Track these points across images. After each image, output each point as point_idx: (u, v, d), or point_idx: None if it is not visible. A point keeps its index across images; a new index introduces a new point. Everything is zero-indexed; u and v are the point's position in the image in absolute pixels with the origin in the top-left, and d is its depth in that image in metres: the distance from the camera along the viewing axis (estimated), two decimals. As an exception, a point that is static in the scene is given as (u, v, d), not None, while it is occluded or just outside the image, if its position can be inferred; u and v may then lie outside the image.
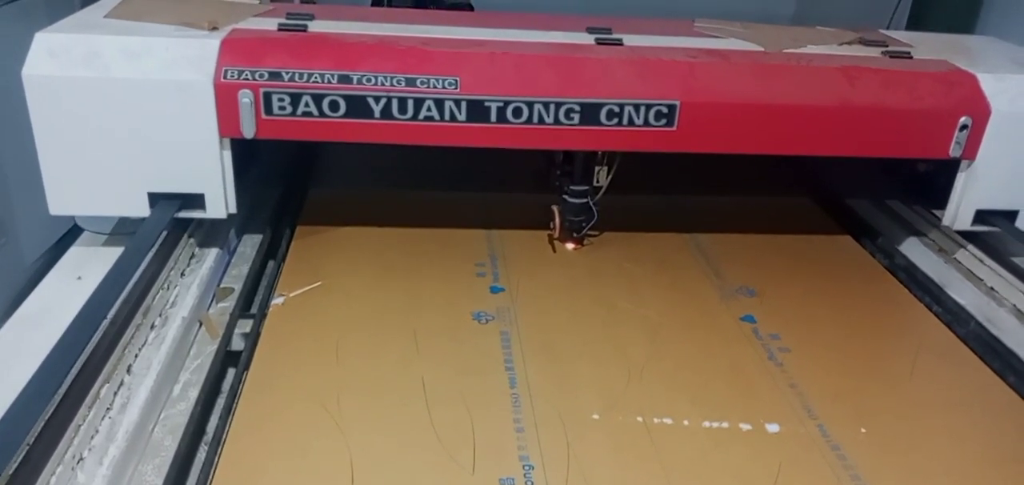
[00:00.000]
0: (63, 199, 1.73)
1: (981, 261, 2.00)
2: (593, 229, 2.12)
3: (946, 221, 2.02)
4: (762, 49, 1.99)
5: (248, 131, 1.71)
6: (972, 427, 1.53)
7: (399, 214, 2.19)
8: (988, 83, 1.90)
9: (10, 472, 1.09)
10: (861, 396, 1.60)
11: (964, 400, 1.62)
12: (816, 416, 1.52)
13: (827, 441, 1.46)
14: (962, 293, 1.93)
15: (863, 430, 1.50)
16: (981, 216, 1.99)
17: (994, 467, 1.43)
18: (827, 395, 1.58)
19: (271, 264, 2.01)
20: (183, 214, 1.76)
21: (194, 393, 1.50)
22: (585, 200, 2.05)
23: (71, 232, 1.93)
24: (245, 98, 1.68)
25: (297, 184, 2.39)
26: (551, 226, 2.09)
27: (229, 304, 1.77)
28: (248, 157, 1.91)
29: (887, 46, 2.10)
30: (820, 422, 1.51)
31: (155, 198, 1.73)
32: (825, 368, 1.67)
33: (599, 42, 1.94)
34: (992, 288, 1.91)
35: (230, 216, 1.81)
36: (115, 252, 1.58)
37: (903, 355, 1.76)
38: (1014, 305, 1.84)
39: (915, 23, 2.98)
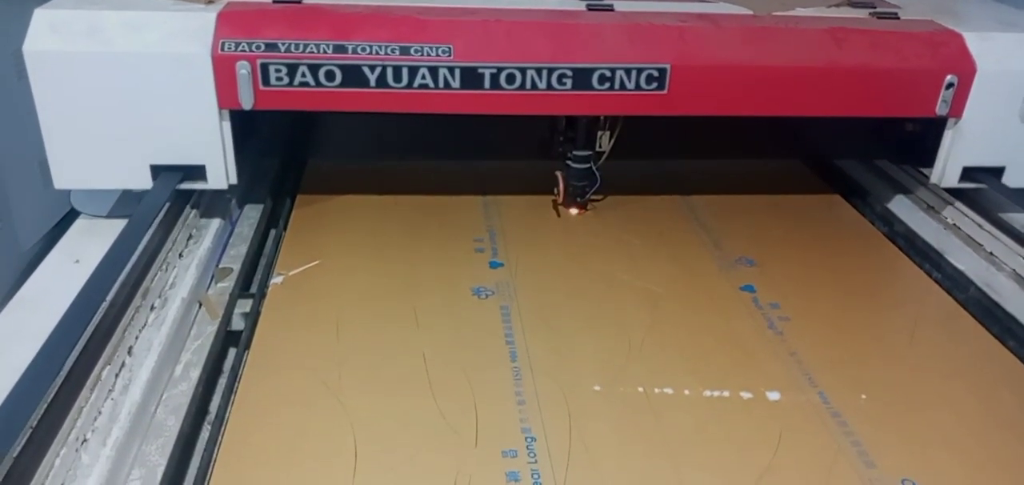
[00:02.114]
0: (67, 173, 1.75)
1: (980, 226, 2.00)
2: (596, 193, 2.14)
3: (934, 179, 2.05)
4: (751, 12, 2.00)
5: (246, 102, 1.72)
6: (972, 392, 1.54)
7: (396, 186, 2.21)
8: (974, 42, 1.93)
9: (15, 454, 1.10)
10: (861, 363, 1.60)
11: (964, 365, 1.63)
12: (816, 384, 1.53)
13: (828, 408, 1.47)
14: (961, 258, 1.93)
15: (863, 397, 1.50)
16: (968, 173, 2.01)
17: (994, 431, 1.44)
18: (827, 362, 1.59)
19: (271, 238, 2.01)
20: (185, 186, 1.78)
21: (196, 373, 1.50)
22: (588, 165, 2.08)
23: (68, 216, 1.93)
24: (243, 69, 1.69)
25: (296, 155, 2.41)
26: (555, 192, 2.11)
27: (228, 284, 1.77)
28: (248, 129, 1.92)
29: (874, 7, 2.12)
30: (820, 389, 1.51)
31: (157, 170, 1.76)
32: (825, 336, 1.68)
33: (590, 8, 1.96)
34: (992, 253, 1.91)
35: (231, 187, 1.83)
36: (112, 236, 1.58)
37: (903, 321, 1.77)
38: (1014, 270, 1.84)
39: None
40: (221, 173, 1.79)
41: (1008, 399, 1.53)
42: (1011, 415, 1.48)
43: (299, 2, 1.85)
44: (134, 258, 1.55)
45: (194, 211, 1.89)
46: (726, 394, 1.49)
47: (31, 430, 1.14)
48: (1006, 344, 1.68)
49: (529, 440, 1.36)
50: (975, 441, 1.41)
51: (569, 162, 2.09)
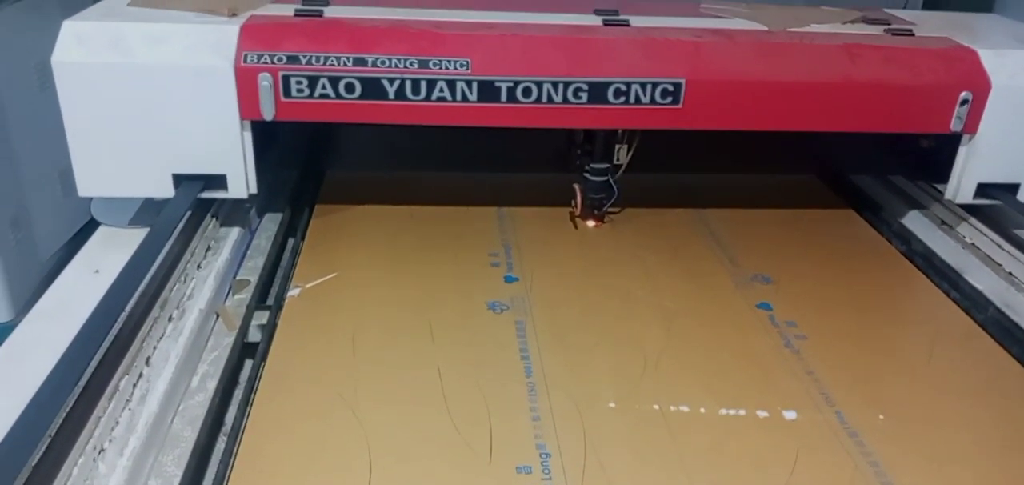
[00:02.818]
0: (91, 181, 1.79)
1: (999, 246, 1.98)
2: (613, 206, 2.15)
3: (948, 195, 2.05)
4: (766, 28, 2.01)
5: (268, 113, 1.75)
6: (991, 413, 1.52)
7: (413, 197, 2.22)
8: (988, 59, 1.93)
9: (33, 463, 1.10)
10: (879, 383, 1.59)
11: (983, 386, 1.61)
12: (834, 403, 1.52)
13: (845, 428, 1.45)
14: (980, 278, 1.92)
15: (881, 417, 1.49)
16: (983, 190, 2.01)
17: (1013, 452, 1.42)
18: (844, 382, 1.57)
19: (289, 249, 2.03)
20: (206, 195, 1.81)
21: (212, 385, 1.51)
22: (606, 178, 2.09)
23: (88, 226, 1.95)
24: (264, 81, 1.72)
25: (314, 166, 2.44)
26: (573, 204, 2.12)
27: (245, 296, 1.78)
28: (268, 140, 1.95)
29: (889, 24, 2.13)
30: (838, 409, 1.50)
31: (179, 179, 1.79)
32: (842, 355, 1.67)
33: (606, 23, 1.97)
34: (1011, 273, 1.89)
35: (251, 197, 1.86)
36: (132, 246, 1.59)
37: (920, 341, 1.75)
38: (1034, 290, 1.82)
39: (932, 5, 2.95)
40: (241, 183, 1.82)
41: (1028, 421, 1.51)
42: (1031, 437, 1.47)
43: (320, 15, 1.87)
44: (153, 269, 1.57)
45: (213, 222, 1.91)
46: (742, 412, 1.48)
47: (50, 439, 1.15)
48: (1025, 364, 1.66)
49: (544, 456, 1.35)
50: (994, 461, 1.40)
51: (587, 175, 2.10)
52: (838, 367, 1.62)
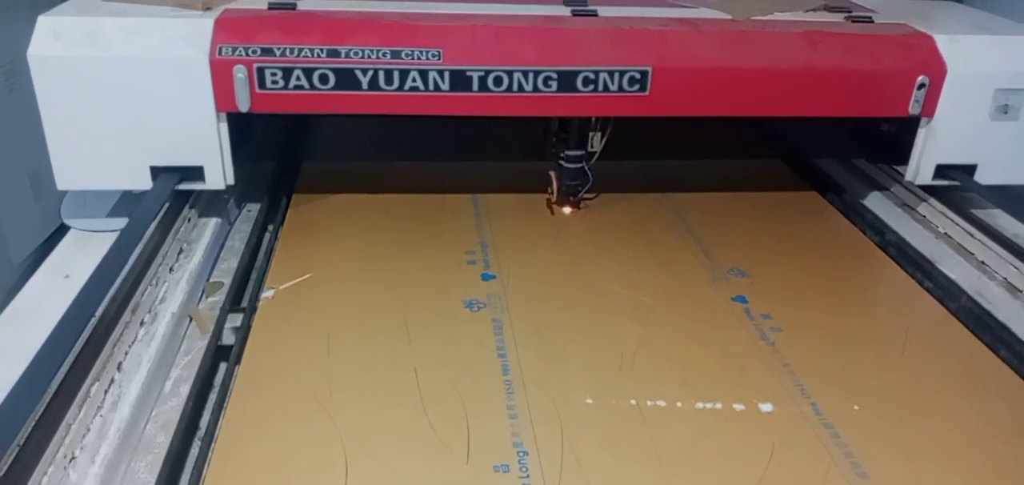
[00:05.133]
0: (69, 175, 1.79)
1: (971, 234, 2.01)
2: (587, 193, 2.18)
3: (908, 176, 2.11)
4: (730, 17, 2.05)
5: (243, 105, 1.76)
6: (965, 401, 1.54)
7: (389, 190, 2.23)
8: (944, 44, 1.99)
9: (1, 473, 1.09)
10: (854, 374, 1.60)
11: (956, 375, 1.63)
12: (809, 395, 1.53)
13: (820, 419, 1.46)
14: (953, 268, 1.94)
15: (856, 408, 1.50)
16: (941, 171, 2.07)
17: (988, 441, 1.44)
18: (820, 374, 1.58)
19: (263, 250, 2.02)
20: (184, 186, 1.82)
21: (185, 389, 1.49)
22: (580, 165, 2.12)
23: (59, 231, 1.92)
24: (239, 73, 1.74)
25: (291, 157, 2.45)
26: (549, 191, 2.15)
27: (219, 298, 1.77)
28: (244, 132, 1.96)
29: (850, 11, 2.17)
30: (813, 401, 1.51)
31: (157, 171, 1.80)
32: (817, 347, 1.68)
33: (575, 13, 2.00)
34: (983, 262, 1.92)
35: (228, 188, 1.87)
36: (102, 250, 1.57)
37: (895, 331, 1.77)
38: (1005, 279, 1.84)
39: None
40: (219, 174, 1.83)
41: (1002, 409, 1.52)
42: (1005, 424, 1.48)
43: (293, 8, 1.88)
44: (124, 272, 1.55)
45: (186, 222, 1.89)
46: (718, 406, 1.49)
47: (18, 448, 1.14)
48: (998, 353, 1.67)
49: (521, 454, 1.35)
50: (970, 451, 1.41)
51: (562, 162, 2.13)
52: (813, 359, 1.63)
